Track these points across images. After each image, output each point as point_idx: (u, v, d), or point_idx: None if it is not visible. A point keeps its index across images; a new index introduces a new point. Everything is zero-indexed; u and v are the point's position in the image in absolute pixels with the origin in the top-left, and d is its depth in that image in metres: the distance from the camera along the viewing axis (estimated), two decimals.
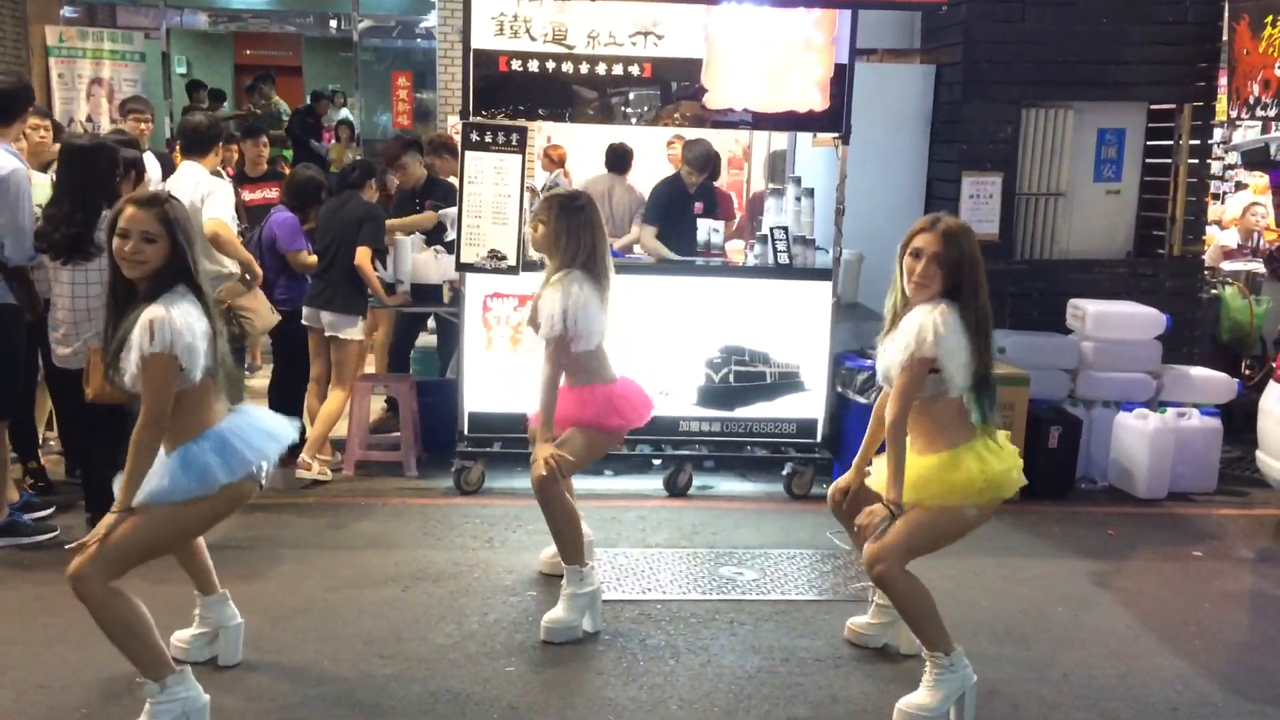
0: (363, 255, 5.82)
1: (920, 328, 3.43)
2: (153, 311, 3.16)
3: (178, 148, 6.70)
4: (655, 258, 6.96)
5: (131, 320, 3.19)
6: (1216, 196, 9.63)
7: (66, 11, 11.59)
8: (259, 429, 3.39)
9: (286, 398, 5.94)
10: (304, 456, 5.76)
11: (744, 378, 5.88)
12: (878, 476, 3.71)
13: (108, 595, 3.13)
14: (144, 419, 3.16)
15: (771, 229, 6.04)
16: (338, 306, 5.86)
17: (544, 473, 3.98)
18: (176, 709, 3.22)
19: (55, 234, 4.63)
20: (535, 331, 4.20)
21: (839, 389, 5.98)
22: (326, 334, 5.92)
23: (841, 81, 5.69)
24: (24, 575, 4.55)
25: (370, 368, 6.98)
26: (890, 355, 3.52)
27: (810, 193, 6.21)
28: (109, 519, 3.16)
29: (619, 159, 7.87)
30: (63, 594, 3.31)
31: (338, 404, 5.96)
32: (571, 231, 4.14)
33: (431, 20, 11.08)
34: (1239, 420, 6.44)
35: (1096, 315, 6.21)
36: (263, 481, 3.40)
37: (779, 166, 8.07)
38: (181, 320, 3.16)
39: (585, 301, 4.07)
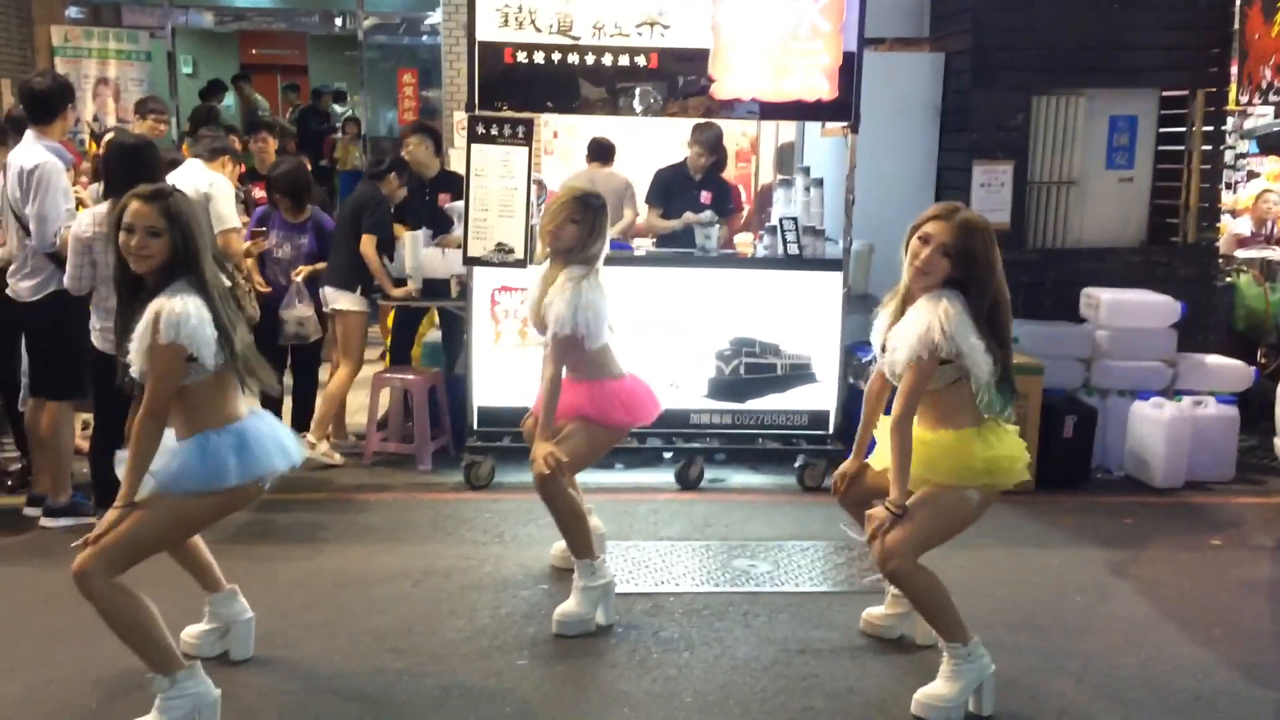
0: (366, 243, 5.99)
1: (928, 327, 3.36)
2: (158, 304, 3.15)
3: (184, 146, 6.69)
4: (654, 234, 6.94)
5: (140, 314, 3.18)
6: (1228, 185, 9.56)
7: (72, 11, 11.58)
8: (275, 440, 3.37)
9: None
10: (309, 435, 5.79)
11: (755, 369, 5.84)
12: (880, 455, 3.67)
13: (112, 592, 3.10)
14: (145, 409, 3.14)
15: (781, 219, 5.99)
16: (333, 280, 6.09)
17: (545, 471, 3.95)
18: (187, 704, 3.19)
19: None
20: (540, 331, 4.18)
21: (850, 380, 5.93)
22: (327, 309, 6.09)
23: (850, 70, 5.64)
24: (34, 570, 4.53)
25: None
26: (897, 351, 3.45)
27: (819, 183, 6.16)
28: (112, 515, 3.13)
29: (601, 151, 7.87)
30: (71, 590, 3.28)
31: (341, 381, 6.06)
32: (597, 231, 4.14)
33: (437, 17, 11.05)
34: (1255, 408, 6.38)
35: (1110, 304, 6.15)
36: (265, 488, 3.39)
37: (787, 159, 8.02)
38: (185, 310, 3.13)
39: (597, 300, 4.06)
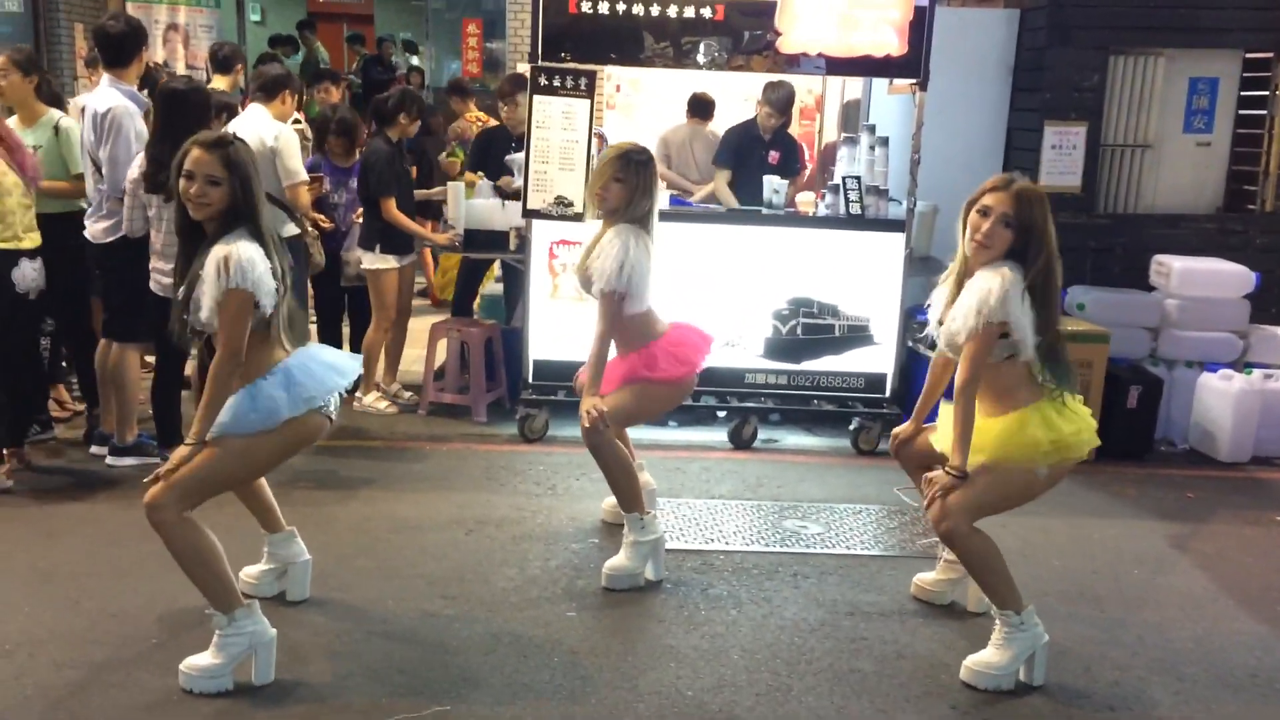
0: (387, 207, 5.95)
1: (987, 292, 3.31)
2: (222, 249, 3.19)
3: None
4: (724, 205, 6.89)
5: (201, 260, 3.22)
6: None
7: None
8: (323, 363, 3.40)
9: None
10: (358, 390, 5.94)
11: (812, 330, 5.79)
12: (944, 434, 3.61)
13: (181, 525, 3.17)
14: (222, 353, 3.20)
15: (844, 178, 5.90)
16: (360, 240, 6.14)
17: (586, 424, 3.97)
18: (244, 641, 3.26)
19: (158, 175, 4.67)
20: (584, 287, 4.18)
21: (910, 343, 5.85)
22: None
23: (921, 25, 5.51)
24: (102, 508, 4.65)
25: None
26: (956, 321, 3.40)
27: (884, 141, 6.05)
28: (183, 450, 3.20)
29: (702, 106, 7.75)
30: (136, 527, 3.36)
31: (374, 333, 6.15)
32: (644, 188, 4.09)
33: None
34: None
35: (1182, 272, 5.99)
36: (332, 416, 3.41)
37: (852, 116, 7.88)
38: (252, 256, 3.18)
39: (641, 259, 4.03)
